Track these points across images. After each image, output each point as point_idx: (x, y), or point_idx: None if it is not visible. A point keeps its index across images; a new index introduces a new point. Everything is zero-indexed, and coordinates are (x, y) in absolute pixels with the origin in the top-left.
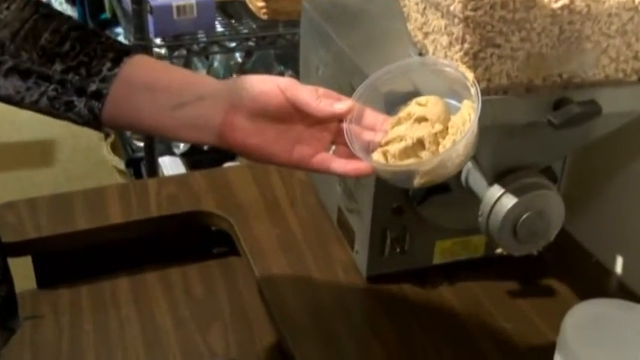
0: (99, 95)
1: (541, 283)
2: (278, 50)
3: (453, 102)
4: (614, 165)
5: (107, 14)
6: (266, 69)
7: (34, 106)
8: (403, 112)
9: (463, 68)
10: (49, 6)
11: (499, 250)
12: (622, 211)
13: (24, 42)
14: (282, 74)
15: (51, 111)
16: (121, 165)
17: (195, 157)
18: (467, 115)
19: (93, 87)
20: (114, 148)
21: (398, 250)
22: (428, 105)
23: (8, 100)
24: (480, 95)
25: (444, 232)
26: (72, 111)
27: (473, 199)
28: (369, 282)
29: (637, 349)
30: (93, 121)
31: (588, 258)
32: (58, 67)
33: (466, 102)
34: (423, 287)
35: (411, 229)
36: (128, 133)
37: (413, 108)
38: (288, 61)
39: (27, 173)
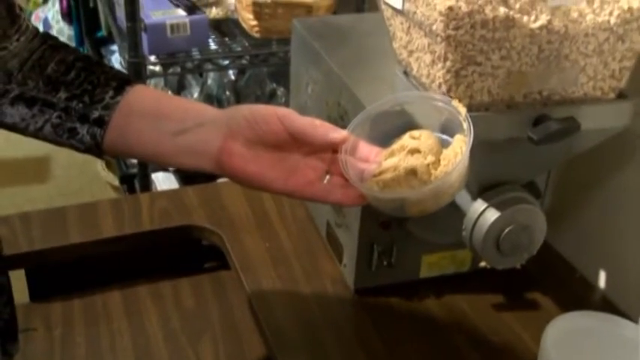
0: (101, 122)
1: (526, 296)
2: (271, 68)
3: (445, 137)
4: (597, 181)
5: (103, 32)
6: (259, 86)
7: (38, 133)
8: (397, 145)
9: (456, 103)
10: (56, 38)
11: (483, 264)
12: (605, 227)
13: (31, 71)
14: (274, 92)
15: (54, 138)
16: (115, 181)
17: (188, 173)
18: (458, 149)
19: (95, 114)
20: (108, 165)
21: (385, 263)
22: (421, 138)
23: (13, 128)
24: (472, 130)
25: (430, 247)
26: (75, 138)
27: (458, 213)
28: (356, 295)
29: (615, 357)
30: (95, 147)
31: (572, 273)
32: (62, 94)
33: (458, 136)
34: (410, 300)
35: (398, 243)
36: None
37: (406, 140)
38: (280, 79)
39: (22, 189)
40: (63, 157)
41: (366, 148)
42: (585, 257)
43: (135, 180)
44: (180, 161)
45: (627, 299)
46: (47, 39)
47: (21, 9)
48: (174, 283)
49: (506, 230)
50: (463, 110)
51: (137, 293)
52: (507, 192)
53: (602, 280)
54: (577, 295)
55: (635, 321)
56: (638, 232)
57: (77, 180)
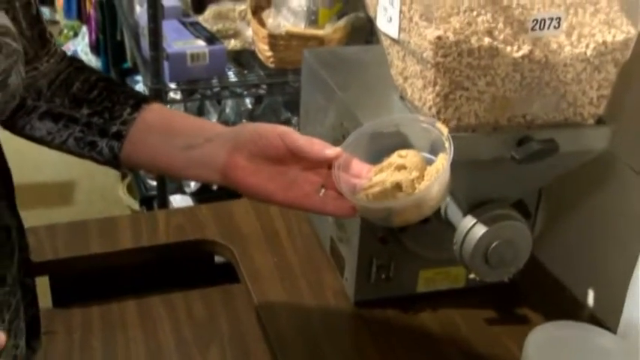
0: (119, 136)
1: (517, 312)
2: (286, 97)
3: (431, 157)
4: (582, 202)
5: (128, 63)
6: (274, 115)
7: (62, 146)
8: (386, 162)
9: (439, 125)
10: (81, 61)
11: (472, 275)
12: (593, 248)
13: (58, 90)
14: (289, 120)
15: (77, 150)
16: (136, 205)
17: (204, 196)
18: (440, 165)
19: (114, 129)
20: (129, 190)
21: (383, 276)
22: (407, 156)
23: (40, 141)
24: (452, 148)
25: (426, 262)
26: (95, 150)
27: (451, 230)
28: (356, 307)
29: None
30: (113, 159)
31: (562, 291)
32: (85, 111)
33: (441, 155)
34: (407, 313)
35: (396, 258)
36: (142, 173)
37: (394, 158)
38: (295, 109)
39: (46, 212)
40: (85, 183)
41: (358, 165)
42: (574, 275)
43: (154, 201)
44: (190, 173)
45: (614, 317)
46: (73, 61)
47: (51, 34)
48: (186, 295)
49: (493, 244)
50: (445, 130)
51: (151, 303)
52: (495, 209)
53: (590, 298)
54: (567, 312)
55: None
56: (621, 251)
57: (99, 204)
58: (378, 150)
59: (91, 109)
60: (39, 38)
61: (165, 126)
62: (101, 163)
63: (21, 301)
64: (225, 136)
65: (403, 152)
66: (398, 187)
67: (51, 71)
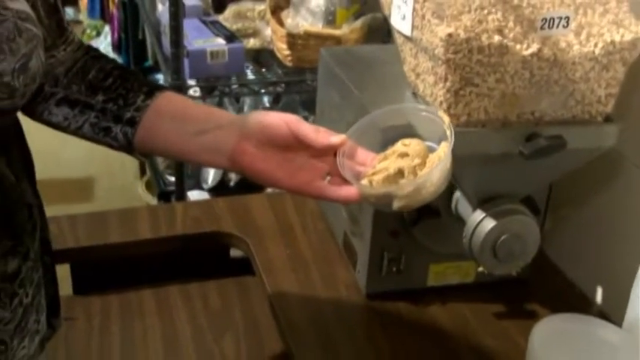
0: (132, 122)
1: (526, 307)
2: (303, 96)
3: (434, 145)
4: (591, 199)
5: (150, 62)
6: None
7: (78, 132)
8: (390, 150)
9: (441, 113)
10: (97, 50)
11: (481, 269)
12: (601, 244)
13: (75, 77)
14: (306, 119)
15: (92, 136)
16: (154, 201)
17: (221, 192)
18: (442, 153)
19: (128, 115)
20: (148, 187)
21: (394, 269)
22: (411, 145)
23: (57, 126)
24: (453, 136)
25: (437, 257)
26: (109, 136)
27: (461, 225)
28: (368, 299)
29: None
30: (127, 145)
31: (570, 287)
32: (100, 97)
33: (443, 143)
34: (417, 306)
35: (407, 252)
36: (161, 167)
37: (397, 146)
38: (312, 107)
39: (66, 207)
40: (105, 180)
41: (363, 154)
42: (582, 272)
43: (172, 197)
44: (200, 158)
45: (621, 313)
46: (90, 50)
47: (68, 24)
48: (202, 285)
49: (502, 238)
50: (447, 119)
51: (168, 292)
52: (504, 204)
53: (598, 294)
54: (573, 307)
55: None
56: (629, 248)
57: (118, 200)
58: (383, 139)
59: (106, 95)
60: (56, 27)
61: (177, 113)
62: (115, 149)
63: (42, 278)
64: (234, 124)
65: (407, 141)
66: (400, 173)
67: (68, 59)
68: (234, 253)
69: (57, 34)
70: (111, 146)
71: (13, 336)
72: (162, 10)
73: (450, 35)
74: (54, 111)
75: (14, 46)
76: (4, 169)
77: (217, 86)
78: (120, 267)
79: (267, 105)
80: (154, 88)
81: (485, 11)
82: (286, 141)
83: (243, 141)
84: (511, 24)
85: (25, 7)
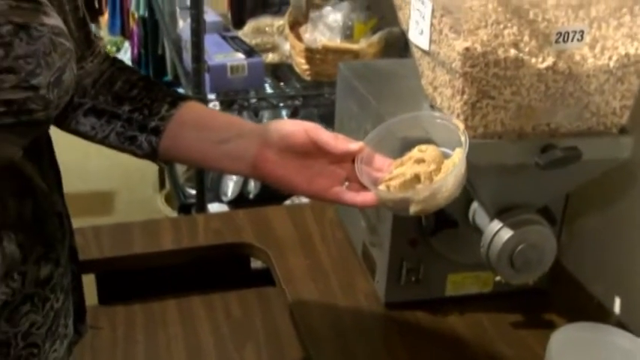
0: (157, 131)
1: (543, 317)
2: (321, 109)
3: (449, 151)
4: (610, 211)
5: (169, 76)
6: None
7: (105, 140)
8: (406, 156)
9: (456, 120)
10: (122, 61)
11: (498, 278)
12: (620, 256)
13: (102, 88)
14: None
15: (117, 144)
16: (173, 214)
17: (240, 204)
18: (457, 159)
19: (153, 124)
20: (167, 200)
21: (413, 279)
22: (427, 151)
23: (85, 135)
24: (467, 142)
25: (455, 266)
26: (134, 144)
27: (479, 235)
28: (387, 308)
29: None
30: (151, 153)
31: (589, 297)
32: (126, 107)
33: (457, 149)
34: (435, 315)
35: (426, 262)
36: (181, 180)
37: (414, 152)
38: (330, 121)
39: (88, 220)
40: (125, 193)
41: (380, 160)
42: (600, 282)
43: (192, 209)
44: (222, 165)
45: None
46: (115, 62)
47: (95, 36)
48: (223, 296)
49: (519, 248)
50: (461, 126)
51: (191, 302)
52: (521, 214)
53: (616, 305)
54: (591, 317)
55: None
56: None
57: (138, 213)
58: (400, 145)
59: (132, 105)
60: (85, 39)
61: (200, 122)
62: (140, 157)
63: (69, 284)
64: (255, 132)
65: (423, 147)
66: (417, 178)
67: (95, 71)
68: (255, 264)
69: (85, 46)
70: (135, 154)
71: (45, 339)
72: (184, 26)
73: (467, 49)
74: (82, 121)
75: (50, 60)
76: (38, 179)
77: (236, 100)
78: (143, 277)
79: (286, 118)
80: (178, 98)
81: (502, 26)
82: (306, 148)
83: (264, 148)
84: (527, 38)
85: (59, 23)
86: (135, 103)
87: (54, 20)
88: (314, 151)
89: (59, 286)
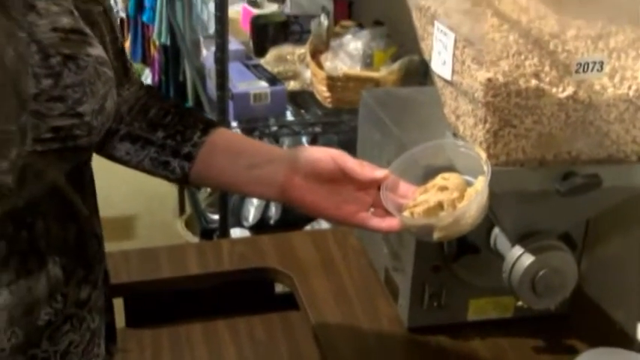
0: (189, 157)
1: (565, 342)
2: (341, 136)
3: (472, 179)
4: (632, 237)
5: (189, 102)
6: None
7: (139, 165)
8: (430, 183)
9: (478, 149)
10: (155, 89)
11: (520, 303)
12: None
13: (137, 115)
14: None
15: (151, 169)
16: (193, 240)
17: (261, 229)
18: (479, 186)
19: (185, 150)
20: (187, 225)
21: (435, 304)
22: (450, 178)
23: (120, 160)
24: (489, 171)
25: (477, 291)
26: (167, 169)
27: (500, 260)
28: (410, 332)
29: None
30: (183, 178)
31: (611, 324)
32: (160, 134)
33: (480, 177)
34: (457, 340)
35: (448, 287)
36: (203, 205)
37: (437, 180)
38: (349, 147)
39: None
40: (146, 218)
41: (405, 187)
42: (622, 309)
43: (214, 234)
44: (251, 190)
45: None
46: (149, 89)
47: (131, 65)
48: (248, 320)
49: (540, 273)
50: (483, 155)
51: (216, 326)
52: (542, 240)
53: (639, 332)
54: (614, 344)
55: None
56: None
57: (159, 238)
58: (423, 172)
59: (166, 132)
60: (122, 68)
61: (230, 148)
62: (172, 181)
63: (103, 305)
64: (284, 158)
65: (446, 175)
66: (440, 205)
67: (131, 98)
68: (278, 288)
69: (123, 75)
70: (168, 178)
71: (81, 358)
72: (207, 54)
73: (489, 80)
74: (117, 146)
75: (94, 88)
76: (79, 203)
77: (257, 127)
78: (170, 301)
79: (306, 145)
80: (210, 125)
81: (523, 56)
82: (332, 174)
83: (293, 174)
84: (547, 68)
85: (102, 53)
86: (168, 130)
87: (98, 50)
88: (340, 178)
89: (95, 307)
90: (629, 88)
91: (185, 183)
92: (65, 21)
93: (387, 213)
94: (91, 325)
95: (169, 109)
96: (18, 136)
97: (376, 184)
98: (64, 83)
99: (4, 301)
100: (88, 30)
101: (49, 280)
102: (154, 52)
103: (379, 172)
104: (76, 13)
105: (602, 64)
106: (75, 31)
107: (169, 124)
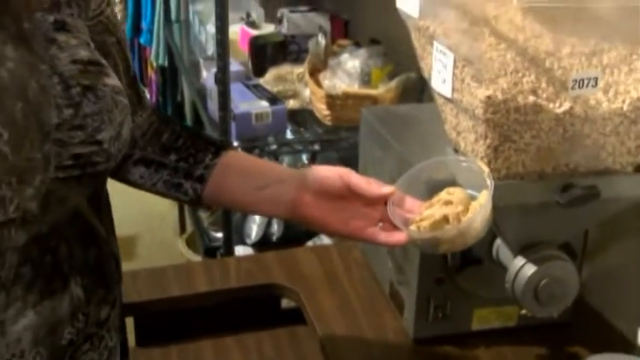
0: (202, 179)
1: (567, 350)
2: (340, 153)
3: (475, 193)
4: (630, 245)
5: (188, 122)
6: None
7: (152, 188)
8: (435, 198)
9: (480, 163)
10: (165, 113)
11: (523, 312)
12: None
13: (150, 139)
14: None
15: (164, 191)
16: (195, 258)
17: (264, 246)
18: (483, 200)
19: (198, 172)
20: (188, 243)
21: (440, 315)
22: (455, 193)
23: (134, 183)
24: (492, 185)
25: (480, 301)
26: (180, 191)
27: (502, 271)
28: (415, 344)
29: None
30: (195, 199)
31: (613, 331)
32: (172, 157)
33: (483, 191)
34: (462, 349)
35: (452, 298)
36: (205, 224)
37: (442, 195)
38: (349, 164)
39: None
40: (147, 237)
41: (411, 202)
42: (624, 316)
43: (217, 252)
44: (262, 208)
45: None
46: (160, 114)
47: (143, 91)
48: (256, 335)
49: (543, 282)
50: (486, 169)
51: (225, 342)
52: (543, 250)
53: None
54: (616, 349)
55: None
56: None
57: (160, 257)
58: (428, 188)
59: (178, 155)
60: (135, 96)
61: (241, 169)
62: (184, 202)
63: (119, 324)
64: (294, 178)
65: (451, 189)
66: (445, 219)
67: (144, 123)
68: (285, 303)
69: (135, 101)
70: (180, 200)
71: None
72: (207, 75)
73: (488, 97)
74: (132, 170)
75: (112, 117)
76: (98, 225)
77: (258, 146)
78: (178, 319)
79: (306, 162)
80: (221, 147)
81: (520, 74)
82: (340, 192)
83: (302, 192)
84: (544, 85)
85: (117, 82)
86: (181, 153)
87: (114, 80)
88: (348, 195)
89: (113, 326)
90: (623, 102)
91: (198, 204)
92: (83, 53)
93: (395, 227)
94: (109, 344)
95: (181, 132)
96: (42, 164)
97: (383, 200)
98: (83, 112)
99: (30, 322)
100: (103, 61)
101: (72, 300)
102: (151, 74)
103: (386, 189)
104: (92, 44)
105: (596, 79)
106: (92, 62)
107: (181, 147)
